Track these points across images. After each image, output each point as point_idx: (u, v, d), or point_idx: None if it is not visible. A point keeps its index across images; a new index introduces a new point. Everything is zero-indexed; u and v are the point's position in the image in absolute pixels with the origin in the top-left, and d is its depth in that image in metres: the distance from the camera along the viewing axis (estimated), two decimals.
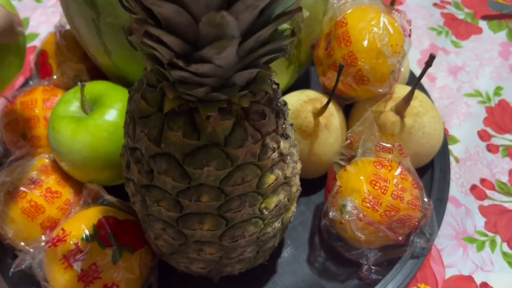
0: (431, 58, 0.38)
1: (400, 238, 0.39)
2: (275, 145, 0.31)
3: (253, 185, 0.31)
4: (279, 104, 0.32)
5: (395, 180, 0.38)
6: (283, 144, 0.32)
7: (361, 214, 0.37)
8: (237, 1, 0.22)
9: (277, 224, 0.36)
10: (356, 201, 0.37)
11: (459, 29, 0.65)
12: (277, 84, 0.33)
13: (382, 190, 0.38)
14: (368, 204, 0.37)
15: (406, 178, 0.39)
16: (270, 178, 0.32)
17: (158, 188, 0.31)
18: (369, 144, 0.40)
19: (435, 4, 0.68)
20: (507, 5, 0.67)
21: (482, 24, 0.66)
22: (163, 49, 0.24)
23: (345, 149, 0.42)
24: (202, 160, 0.28)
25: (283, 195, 0.34)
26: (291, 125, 0.35)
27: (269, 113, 0.30)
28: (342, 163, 0.41)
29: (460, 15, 0.67)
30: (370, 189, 0.38)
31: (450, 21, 0.66)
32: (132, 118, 0.31)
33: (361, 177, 0.38)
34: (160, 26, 0.24)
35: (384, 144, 0.40)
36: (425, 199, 0.40)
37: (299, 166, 0.38)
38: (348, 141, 0.41)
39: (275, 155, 0.31)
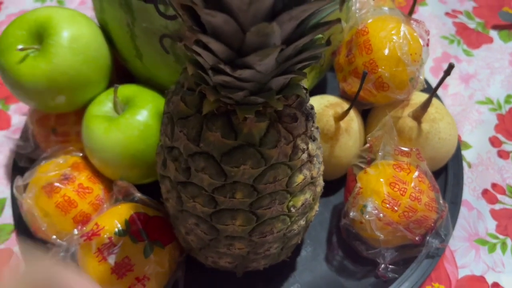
0: (450, 67, 0.40)
1: (417, 238, 0.41)
2: (305, 147, 0.33)
3: (283, 184, 0.33)
4: (308, 108, 0.34)
5: (413, 183, 0.40)
6: (311, 146, 0.34)
7: (381, 214, 0.39)
8: (282, 12, 0.24)
9: (302, 222, 0.37)
10: (376, 202, 0.39)
11: (470, 38, 0.67)
12: (306, 89, 0.35)
13: (401, 192, 0.39)
14: (387, 205, 0.39)
15: (423, 181, 0.41)
16: (299, 178, 0.34)
17: (194, 185, 0.33)
18: (388, 148, 0.42)
19: (447, 14, 0.70)
20: None
21: (493, 33, 0.68)
22: (208, 55, 0.26)
23: (365, 152, 0.44)
24: (238, 159, 0.30)
25: (309, 194, 0.36)
26: (317, 128, 0.37)
27: (300, 116, 0.32)
28: (362, 165, 0.43)
29: (472, 25, 0.69)
30: (390, 191, 0.40)
31: (462, 30, 0.68)
32: (171, 119, 0.33)
33: (381, 179, 0.40)
34: (206, 33, 0.26)
35: (402, 148, 0.42)
36: (441, 201, 0.42)
37: (322, 167, 0.40)
38: (368, 144, 0.43)
39: (304, 156, 0.33)
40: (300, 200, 0.35)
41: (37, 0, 0.74)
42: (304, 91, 0.34)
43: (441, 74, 0.61)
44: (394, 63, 0.42)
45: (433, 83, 0.61)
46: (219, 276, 0.44)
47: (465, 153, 0.54)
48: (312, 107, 0.36)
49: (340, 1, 0.26)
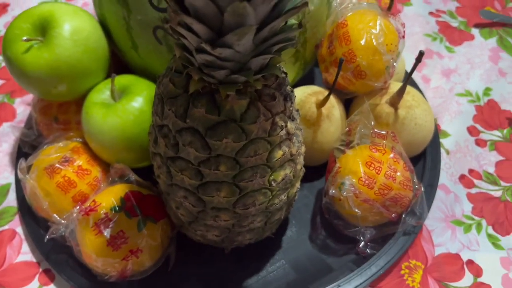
0: (420, 54, 0.43)
1: (393, 216, 0.44)
2: (283, 124, 0.36)
3: (263, 158, 0.36)
4: (287, 90, 0.37)
5: (388, 162, 0.43)
6: (290, 125, 0.37)
7: (357, 191, 0.42)
8: None
9: (283, 197, 0.40)
10: (353, 180, 0.42)
11: (453, 36, 0.70)
12: (285, 73, 0.38)
13: (377, 171, 0.42)
14: (364, 182, 0.42)
15: (398, 161, 0.44)
16: (278, 153, 0.37)
17: (182, 159, 0.36)
18: (366, 131, 0.45)
19: (431, 13, 0.74)
20: (498, 14, 0.72)
21: (475, 31, 0.71)
22: (192, 36, 0.29)
23: (344, 136, 0.47)
24: (221, 133, 0.33)
25: (289, 170, 0.39)
26: (297, 110, 0.40)
27: (278, 96, 0.35)
28: (342, 148, 0.46)
29: (454, 23, 0.72)
30: (366, 170, 0.43)
31: (445, 29, 0.71)
32: (161, 99, 0.36)
33: (358, 159, 0.43)
34: (189, 15, 0.29)
35: (379, 131, 0.45)
36: (415, 181, 0.45)
37: (303, 148, 0.43)
38: (347, 128, 0.46)
39: (283, 132, 0.36)
40: (280, 175, 0.38)
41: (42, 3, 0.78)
42: (284, 74, 0.37)
43: (423, 69, 0.65)
44: (371, 53, 0.46)
45: (415, 77, 0.64)
46: (208, 252, 0.47)
47: (444, 141, 0.58)
48: (292, 90, 0.39)
49: None
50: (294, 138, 0.39)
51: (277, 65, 0.35)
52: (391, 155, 0.44)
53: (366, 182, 0.42)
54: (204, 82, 0.33)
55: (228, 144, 0.34)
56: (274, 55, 0.32)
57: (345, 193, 0.42)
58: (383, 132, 0.45)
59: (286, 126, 0.37)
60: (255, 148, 0.35)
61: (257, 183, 0.37)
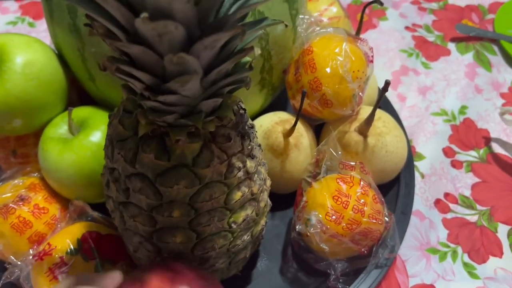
0: (386, 84, 0.42)
1: (363, 250, 0.42)
2: (241, 165, 0.34)
3: (220, 201, 0.34)
4: (246, 128, 0.36)
5: (356, 196, 0.41)
6: (249, 163, 0.36)
7: (324, 228, 0.40)
8: (196, 42, 0.25)
9: (246, 237, 0.39)
10: (320, 215, 0.41)
11: (429, 51, 0.69)
12: (244, 110, 0.36)
13: (344, 205, 0.41)
14: (331, 218, 0.40)
15: (367, 194, 0.42)
16: (237, 195, 0.35)
17: (134, 205, 0.34)
18: (333, 162, 0.44)
19: (406, 28, 0.72)
20: (475, 27, 0.71)
21: (451, 46, 0.70)
22: (135, 81, 0.28)
23: (312, 167, 0.45)
24: (172, 179, 0.32)
25: (250, 210, 0.37)
26: (259, 145, 0.39)
27: (234, 136, 0.34)
28: (309, 180, 0.44)
29: (431, 38, 0.71)
30: (333, 204, 0.41)
31: (421, 44, 0.70)
32: (111, 141, 0.34)
33: (325, 193, 0.42)
34: (132, 62, 0.27)
35: (347, 162, 0.44)
36: (386, 213, 0.43)
37: (268, 183, 0.41)
38: (314, 159, 0.45)
39: (240, 173, 0.34)
40: (241, 216, 0.36)
41: (8, 23, 0.76)
42: (242, 112, 0.36)
43: (399, 87, 0.63)
44: (337, 81, 0.44)
45: (391, 96, 0.63)
46: None
47: (418, 164, 0.56)
48: (252, 126, 0.37)
49: (253, 29, 0.28)
50: (256, 176, 0.37)
51: (234, 102, 0.33)
52: (359, 189, 0.42)
53: (333, 217, 0.40)
54: (154, 124, 0.31)
55: (180, 190, 0.32)
56: (226, 97, 0.31)
57: (312, 229, 0.41)
58: (352, 163, 0.44)
59: (244, 166, 0.35)
60: (210, 192, 0.33)
61: (215, 227, 0.35)
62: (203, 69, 0.27)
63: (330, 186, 0.42)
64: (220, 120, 0.33)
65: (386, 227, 0.43)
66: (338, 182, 0.42)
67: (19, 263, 0.42)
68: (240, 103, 0.36)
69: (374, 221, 0.41)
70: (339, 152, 0.43)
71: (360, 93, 0.45)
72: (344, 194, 0.41)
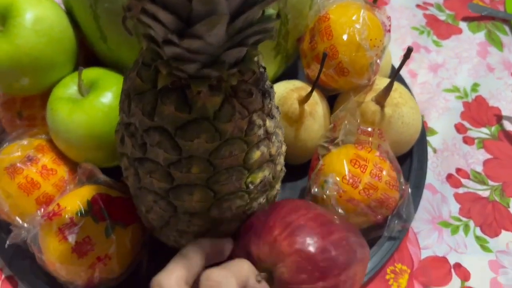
0: (409, 50, 0.41)
1: (378, 217, 0.42)
2: (261, 123, 0.33)
3: (240, 160, 0.33)
4: (266, 86, 0.35)
5: (374, 161, 0.41)
6: (269, 123, 0.35)
7: (341, 190, 0.40)
8: None
9: (262, 200, 0.38)
10: (337, 178, 0.40)
11: (440, 29, 0.68)
12: (264, 68, 0.35)
13: (362, 169, 0.40)
14: (348, 181, 0.40)
15: (384, 160, 0.42)
16: (256, 154, 0.34)
17: (150, 161, 0.33)
18: (351, 127, 0.43)
19: (418, 6, 0.71)
20: (486, 7, 0.70)
21: (462, 25, 0.69)
22: (158, 26, 0.26)
23: (329, 133, 0.44)
24: (192, 132, 0.31)
25: (268, 172, 0.36)
26: (277, 108, 0.38)
27: (256, 92, 0.33)
28: (326, 145, 0.44)
29: (442, 16, 0.70)
30: (351, 168, 0.40)
31: (432, 22, 0.69)
32: (128, 95, 0.33)
33: (343, 157, 0.41)
34: (155, 3, 0.26)
35: (365, 128, 0.43)
36: (402, 181, 0.42)
37: (284, 148, 0.40)
38: (332, 124, 0.44)
39: (261, 131, 0.33)
40: (258, 177, 0.35)
41: None
42: (262, 70, 0.35)
43: (410, 63, 0.63)
44: (354, 49, 0.43)
45: (402, 71, 0.62)
46: None
47: (431, 139, 0.55)
48: (271, 86, 0.36)
49: None
50: (274, 137, 0.36)
51: (255, 58, 0.32)
52: (377, 153, 0.42)
53: (351, 181, 0.40)
54: (174, 76, 0.30)
55: (200, 144, 0.31)
56: (251, 48, 0.30)
57: (328, 192, 0.40)
58: (370, 129, 0.43)
59: (264, 124, 0.34)
60: (230, 149, 0.32)
61: (233, 186, 0.34)
62: (230, 14, 0.26)
63: (348, 151, 0.41)
64: (242, 74, 0.32)
65: (401, 196, 0.42)
66: (356, 147, 0.42)
67: (25, 225, 0.41)
68: (260, 62, 0.35)
69: (391, 187, 0.41)
70: (358, 119, 0.43)
71: (378, 60, 0.44)
72: (362, 158, 0.41)
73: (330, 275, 0.33)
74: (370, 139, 0.43)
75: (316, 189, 0.41)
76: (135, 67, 0.33)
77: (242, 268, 0.32)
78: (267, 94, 0.34)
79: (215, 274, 0.30)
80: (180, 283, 0.31)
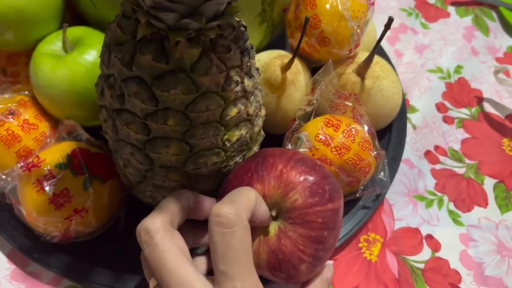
0: (390, 20, 0.41)
1: (351, 180, 0.42)
2: (239, 79, 0.34)
3: (216, 115, 0.34)
4: (246, 45, 0.35)
5: (347, 122, 0.42)
6: (247, 82, 0.35)
7: (313, 148, 0.40)
8: None
9: (238, 159, 0.39)
10: (310, 137, 0.41)
11: (429, 12, 0.69)
12: (245, 27, 0.35)
13: (334, 128, 0.41)
14: (320, 139, 0.41)
15: (359, 122, 0.42)
16: (233, 111, 0.35)
17: (128, 112, 0.33)
18: (327, 89, 0.44)
19: None
20: None
21: (451, 9, 0.70)
22: None
23: (307, 96, 0.45)
24: (169, 83, 0.31)
25: (245, 131, 0.37)
26: (257, 69, 0.38)
27: (234, 48, 0.33)
28: (303, 107, 0.44)
29: (431, 0, 0.71)
30: (324, 127, 0.41)
31: (421, 4, 0.70)
32: (108, 47, 0.33)
33: (318, 119, 0.42)
34: None
35: (341, 92, 0.44)
36: (377, 145, 0.43)
37: (263, 111, 0.41)
38: (310, 89, 0.45)
39: (238, 88, 0.34)
40: (235, 135, 0.36)
41: None
42: (243, 28, 0.35)
43: (396, 43, 0.63)
44: (336, 19, 0.44)
45: (388, 51, 0.63)
46: None
47: (411, 116, 0.56)
48: (252, 47, 0.37)
49: None
50: (252, 97, 0.37)
51: (234, 15, 0.32)
52: (351, 115, 0.42)
53: (323, 138, 0.41)
54: (153, 27, 0.30)
55: (176, 96, 0.32)
56: (230, 1, 0.30)
57: (301, 149, 0.41)
58: (346, 94, 0.44)
59: (242, 82, 0.34)
60: (207, 103, 0.33)
61: (209, 142, 0.35)
62: None
63: (324, 113, 0.42)
64: (221, 29, 0.32)
65: (376, 158, 0.43)
66: (331, 108, 0.43)
67: (3, 176, 0.41)
68: (241, 21, 0.36)
69: (363, 149, 0.41)
70: (334, 81, 0.43)
71: (359, 31, 0.45)
72: (336, 118, 0.42)
73: (336, 197, 0.35)
74: (346, 102, 0.43)
75: (289, 146, 0.42)
76: (116, 19, 0.34)
77: (250, 198, 0.32)
78: (246, 52, 0.35)
79: (225, 209, 0.30)
80: (166, 225, 0.31)
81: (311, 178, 0.35)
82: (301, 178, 0.34)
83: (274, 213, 0.35)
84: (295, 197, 0.34)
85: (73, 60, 0.41)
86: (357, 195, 0.43)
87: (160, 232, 0.30)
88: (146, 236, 0.31)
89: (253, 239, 0.35)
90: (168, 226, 0.31)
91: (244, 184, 0.36)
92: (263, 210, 0.33)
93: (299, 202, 0.34)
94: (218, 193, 0.39)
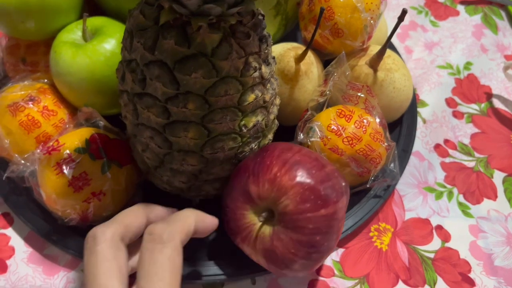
0: (403, 13, 0.42)
1: (361, 170, 0.43)
2: (257, 65, 0.35)
3: (234, 100, 0.35)
4: (264, 33, 0.36)
5: (359, 113, 0.42)
6: (264, 69, 0.36)
7: (325, 138, 0.41)
8: None
9: (254, 146, 0.39)
10: (323, 126, 0.42)
11: (438, 11, 0.70)
12: (263, 16, 0.36)
13: (347, 119, 0.42)
14: (331, 129, 0.42)
15: (370, 113, 0.43)
16: (250, 97, 0.36)
17: (149, 96, 0.34)
18: (340, 80, 0.44)
19: None
20: None
21: (460, 8, 0.70)
22: None
23: (320, 87, 0.46)
24: (190, 67, 0.32)
25: (261, 117, 0.38)
26: (273, 58, 0.39)
27: (253, 35, 0.34)
28: (315, 97, 0.45)
29: None
30: (336, 118, 0.42)
31: (431, 3, 0.71)
32: (130, 33, 0.34)
33: (330, 110, 0.42)
34: None
35: (354, 83, 0.44)
36: (388, 136, 0.44)
37: (278, 100, 0.42)
38: (323, 80, 0.46)
39: (256, 74, 0.35)
40: (251, 121, 0.37)
41: None
42: (261, 17, 0.36)
43: (406, 40, 0.64)
44: (350, 10, 0.45)
45: (398, 48, 0.63)
46: (175, 203, 0.45)
47: (421, 110, 0.57)
48: (269, 35, 0.38)
49: None
50: (268, 84, 0.38)
51: (254, 1, 0.33)
52: (363, 107, 0.43)
53: (335, 129, 0.42)
54: (175, 13, 0.31)
55: (197, 80, 0.33)
56: None
57: (312, 138, 0.42)
58: (359, 85, 0.44)
59: (260, 68, 0.35)
60: (226, 88, 0.34)
61: (226, 126, 0.36)
62: None
63: (336, 104, 0.43)
64: (241, 16, 0.33)
65: (386, 149, 0.43)
66: (343, 99, 0.43)
67: (22, 161, 0.42)
68: (259, 9, 0.37)
69: (375, 140, 0.42)
70: (347, 73, 0.44)
71: (372, 22, 0.45)
72: (348, 109, 0.42)
73: (330, 202, 0.35)
74: (358, 94, 0.44)
75: (301, 136, 0.43)
76: (139, 6, 0.35)
77: (186, 222, 0.32)
78: (264, 39, 0.36)
79: (158, 228, 0.30)
80: (115, 238, 0.31)
81: (304, 183, 0.35)
82: (294, 183, 0.35)
83: (262, 219, 0.35)
84: (286, 202, 0.35)
85: (93, 48, 0.42)
86: (368, 186, 0.44)
87: (106, 242, 0.30)
88: (92, 242, 0.30)
89: (249, 236, 0.36)
90: (117, 238, 0.31)
91: (242, 184, 0.37)
92: (205, 230, 0.34)
93: (290, 208, 0.34)
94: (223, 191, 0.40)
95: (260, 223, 0.36)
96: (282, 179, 0.35)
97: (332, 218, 0.35)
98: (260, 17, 0.36)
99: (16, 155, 0.43)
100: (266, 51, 0.36)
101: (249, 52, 0.34)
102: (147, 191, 0.45)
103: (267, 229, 0.36)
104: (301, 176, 0.35)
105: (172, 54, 0.32)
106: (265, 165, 0.36)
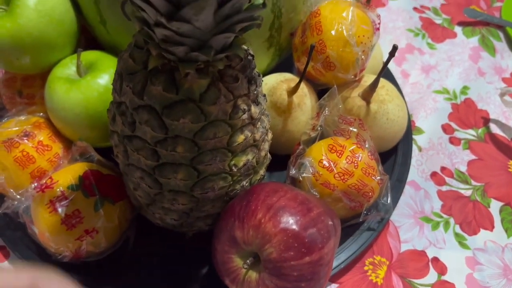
0: (394, 49, 0.42)
1: (354, 205, 0.43)
2: (246, 108, 0.35)
3: (223, 142, 0.35)
4: (253, 73, 0.36)
5: (351, 148, 0.42)
6: (254, 109, 0.36)
7: (316, 173, 0.41)
8: None
9: (245, 183, 0.39)
10: (314, 162, 0.42)
11: (435, 32, 0.70)
12: (252, 56, 0.37)
13: (338, 154, 0.42)
14: (323, 165, 0.42)
15: (362, 148, 0.43)
16: (240, 138, 0.36)
17: (139, 138, 0.34)
18: (332, 114, 0.45)
19: (415, 8, 0.73)
20: (482, 13, 0.71)
21: (457, 29, 0.70)
22: (149, 8, 0.28)
23: (313, 120, 0.46)
24: (178, 112, 0.32)
25: (251, 156, 0.38)
26: (264, 96, 0.39)
27: (241, 78, 0.34)
28: (308, 131, 0.45)
29: (438, 20, 0.71)
30: (327, 153, 0.42)
31: (428, 25, 0.71)
32: (120, 75, 0.35)
33: (321, 143, 0.43)
34: None
35: (346, 116, 0.45)
36: (380, 170, 0.44)
37: (270, 135, 0.42)
38: (316, 113, 0.46)
39: (245, 116, 0.35)
40: (241, 160, 0.37)
41: None
42: (250, 58, 0.36)
43: (403, 63, 0.64)
44: (341, 44, 0.45)
45: (394, 72, 0.63)
46: (169, 237, 0.46)
47: (417, 137, 0.57)
48: (259, 74, 0.38)
49: None
50: (259, 123, 0.38)
51: (242, 46, 0.34)
52: (354, 141, 0.43)
53: (326, 164, 0.42)
54: (164, 59, 0.32)
55: (185, 124, 0.33)
56: (238, 35, 0.31)
57: (304, 174, 0.42)
58: (351, 119, 0.44)
59: (249, 110, 0.35)
60: (214, 131, 0.34)
61: (216, 167, 0.36)
62: (218, 0, 0.28)
63: (328, 140, 0.43)
64: (229, 60, 0.33)
65: (379, 183, 0.43)
66: (335, 133, 0.43)
67: (18, 196, 0.43)
68: (249, 50, 0.37)
69: (367, 175, 0.42)
70: (340, 106, 0.44)
71: (363, 57, 0.45)
72: (339, 144, 0.43)
73: (315, 249, 0.35)
74: (350, 128, 0.44)
75: (293, 171, 0.43)
76: (129, 48, 0.35)
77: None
78: (253, 81, 0.36)
79: None
80: None
81: (288, 230, 0.34)
82: (278, 230, 0.34)
83: (246, 266, 0.35)
84: (270, 250, 0.35)
85: (87, 84, 0.43)
86: (360, 220, 0.44)
87: None
88: None
89: (237, 279, 0.36)
90: None
91: (228, 228, 0.37)
92: None
93: (274, 256, 0.34)
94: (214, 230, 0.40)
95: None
96: (266, 226, 0.35)
97: (318, 264, 0.35)
98: (250, 57, 0.36)
99: (11, 190, 0.43)
100: (255, 92, 0.36)
101: (237, 95, 0.34)
102: (140, 225, 0.45)
103: (253, 274, 0.36)
104: (285, 223, 0.35)
105: (160, 99, 0.32)
106: (250, 210, 0.36)
